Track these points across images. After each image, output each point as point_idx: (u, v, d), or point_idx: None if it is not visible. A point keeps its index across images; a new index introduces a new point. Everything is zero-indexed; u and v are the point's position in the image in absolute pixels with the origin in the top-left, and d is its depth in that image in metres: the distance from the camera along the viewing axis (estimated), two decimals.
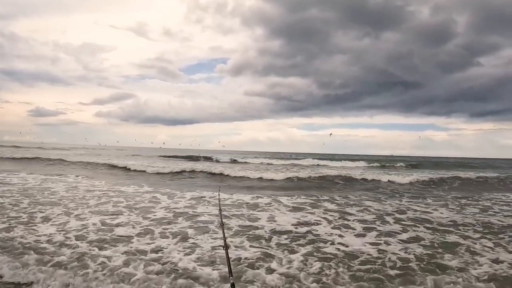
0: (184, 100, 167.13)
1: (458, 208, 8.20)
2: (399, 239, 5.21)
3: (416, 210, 7.77)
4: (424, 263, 4.13)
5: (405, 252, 4.54)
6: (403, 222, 6.38)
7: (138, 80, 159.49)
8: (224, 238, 2.49)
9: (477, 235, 5.51)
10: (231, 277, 1.85)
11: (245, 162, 29.14)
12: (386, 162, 31.99)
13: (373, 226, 6.04)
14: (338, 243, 4.89)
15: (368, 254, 4.43)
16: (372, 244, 4.92)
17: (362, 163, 29.19)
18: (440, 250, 4.64)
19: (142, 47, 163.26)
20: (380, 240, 5.16)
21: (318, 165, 28.34)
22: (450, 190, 12.30)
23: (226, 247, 2.28)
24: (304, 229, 5.67)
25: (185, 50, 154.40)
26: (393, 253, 4.47)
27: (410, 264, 4.08)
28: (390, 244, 4.92)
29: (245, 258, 4.12)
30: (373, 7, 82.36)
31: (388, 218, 6.72)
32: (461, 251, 4.62)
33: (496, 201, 9.64)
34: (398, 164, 29.03)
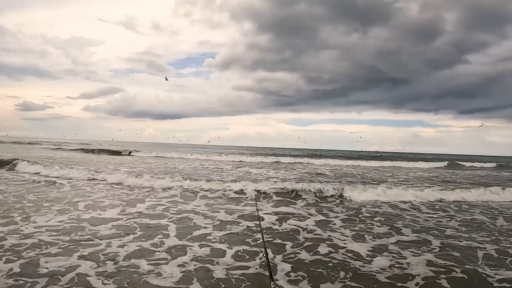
0: (172, 94, 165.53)
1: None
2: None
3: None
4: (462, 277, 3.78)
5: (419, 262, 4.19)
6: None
7: (127, 74, 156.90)
8: (264, 244, 2.46)
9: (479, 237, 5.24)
10: (272, 283, 1.80)
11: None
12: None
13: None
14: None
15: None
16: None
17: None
18: (457, 255, 4.35)
19: (130, 40, 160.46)
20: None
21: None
22: None
23: (266, 252, 2.25)
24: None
25: (173, 44, 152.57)
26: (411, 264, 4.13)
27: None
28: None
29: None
30: (361, 3, 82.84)
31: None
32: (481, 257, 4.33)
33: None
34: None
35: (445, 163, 28.19)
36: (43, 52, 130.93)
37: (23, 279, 3.16)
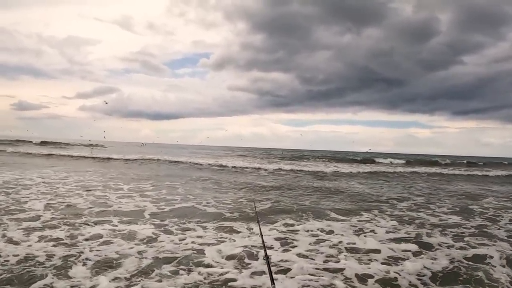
0: (168, 94, 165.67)
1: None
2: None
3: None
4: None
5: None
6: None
7: (122, 74, 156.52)
8: (264, 248, 2.42)
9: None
10: (273, 285, 1.86)
11: None
12: None
13: None
14: None
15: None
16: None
17: None
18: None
19: (126, 40, 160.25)
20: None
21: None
22: None
23: (266, 255, 2.27)
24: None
25: (168, 44, 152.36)
26: None
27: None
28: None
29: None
30: (355, 3, 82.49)
31: None
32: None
33: None
34: None
35: None
36: (39, 51, 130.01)
37: None
